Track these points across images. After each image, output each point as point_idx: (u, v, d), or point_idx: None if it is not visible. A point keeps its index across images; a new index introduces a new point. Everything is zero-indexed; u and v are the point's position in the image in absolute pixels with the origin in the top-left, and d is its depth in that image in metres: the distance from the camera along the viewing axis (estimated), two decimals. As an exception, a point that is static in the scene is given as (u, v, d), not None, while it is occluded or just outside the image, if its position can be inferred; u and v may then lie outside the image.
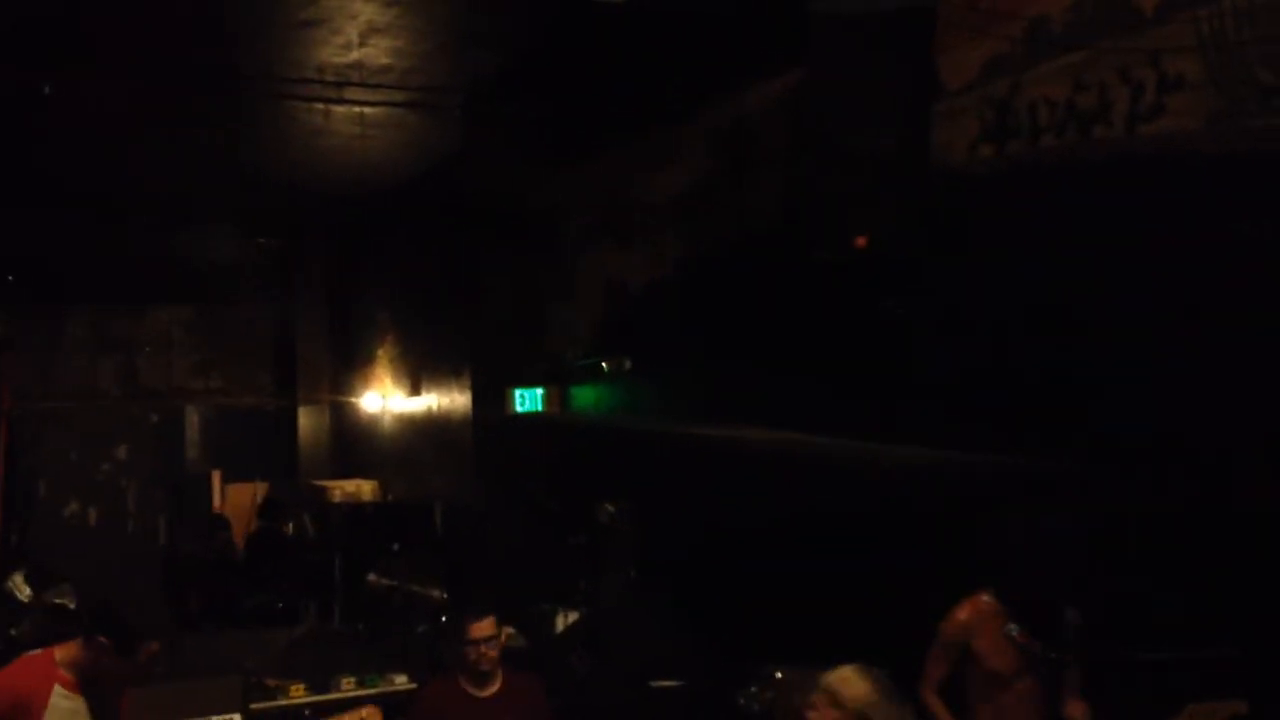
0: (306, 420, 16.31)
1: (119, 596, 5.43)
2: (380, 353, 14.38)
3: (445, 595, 8.94)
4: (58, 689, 4.80)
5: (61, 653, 4.89)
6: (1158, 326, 4.77)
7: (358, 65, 9.05)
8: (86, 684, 4.84)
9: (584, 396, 9.40)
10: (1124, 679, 4.28)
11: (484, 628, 5.17)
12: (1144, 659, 4.13)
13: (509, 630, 5.93)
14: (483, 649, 5.15)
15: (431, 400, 12.59)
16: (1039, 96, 5.23)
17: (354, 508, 12.20)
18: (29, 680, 4.80)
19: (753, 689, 5.37)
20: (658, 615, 7.12)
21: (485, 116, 10.11)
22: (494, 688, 5.25)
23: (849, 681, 3.60)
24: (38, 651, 5.03)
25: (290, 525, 12.88)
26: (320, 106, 9.74)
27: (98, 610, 5.09)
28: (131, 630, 4.93)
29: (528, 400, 9.83)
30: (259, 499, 13.76)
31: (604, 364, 8.70)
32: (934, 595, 4.94)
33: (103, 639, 4.85)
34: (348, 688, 6.94)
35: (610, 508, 7.74)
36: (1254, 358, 4.42)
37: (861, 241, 5.25)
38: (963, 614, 4.79)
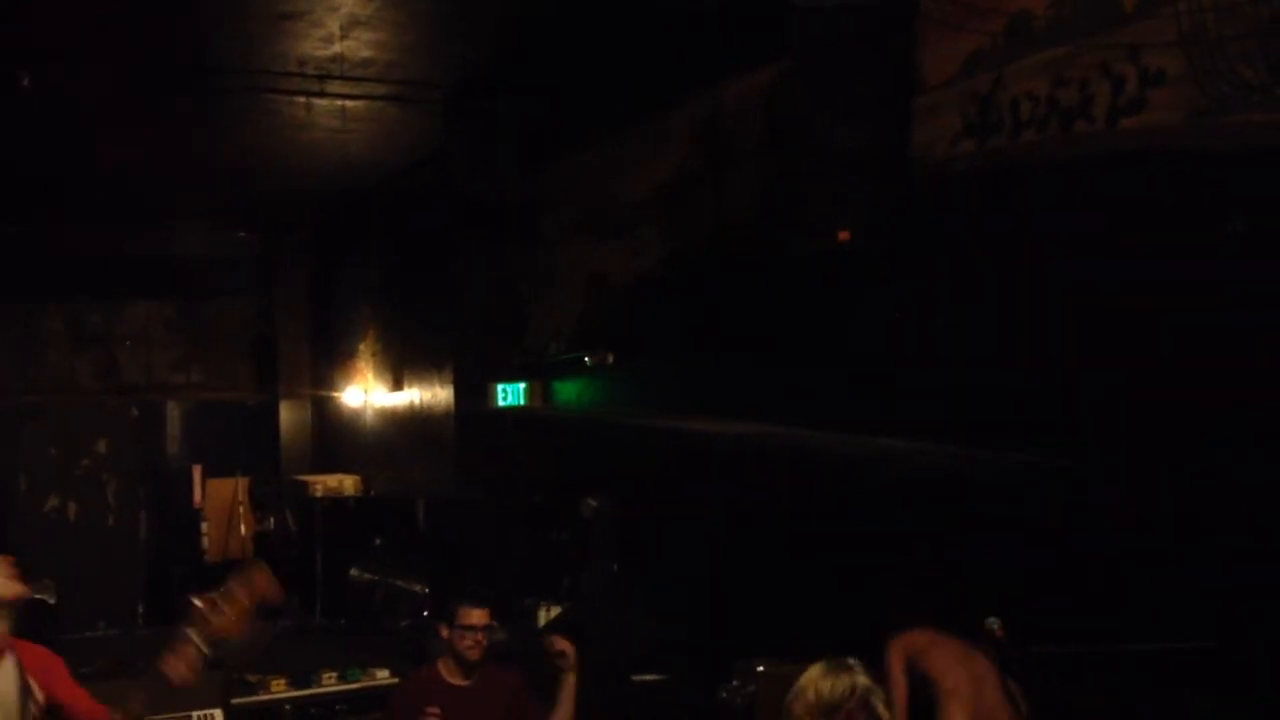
0: (288, 415, 16.26)
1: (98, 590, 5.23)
2: (362, 347, 14.33)
3: (427, 590, 8.94)
4: None
5: None
6: (1139, 323, 4.78)
7: (339, 59, 9.02)
8: None
9: (566, 391, 9.38)
10: (1092, 672, 4.29)
11: (480, 616, 5.33)
12: (1114, 651, 4.14)
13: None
14: (478, 636, 5.31)
15: (413, 395, 12.56)
16: (1020, 91, 5.23)
17: (336, 502, 12.18)
18: None
19: (735, 683, 5.38)
20: (640, 610, 7.12)
21: (467, 110, 10.09)
22: (474, 678, 5.38)
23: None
24: None
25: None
26: (301, 100, 9.71)
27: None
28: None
29: (510, 395, 9.81)
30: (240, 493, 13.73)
31: (586, 358, 8.69)
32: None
33: None
34: (329, 682, 6.94)
35: (592, 502, 7.75)
36: (1243, 355, 4.43)
37: (844, 235, 5.24)
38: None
